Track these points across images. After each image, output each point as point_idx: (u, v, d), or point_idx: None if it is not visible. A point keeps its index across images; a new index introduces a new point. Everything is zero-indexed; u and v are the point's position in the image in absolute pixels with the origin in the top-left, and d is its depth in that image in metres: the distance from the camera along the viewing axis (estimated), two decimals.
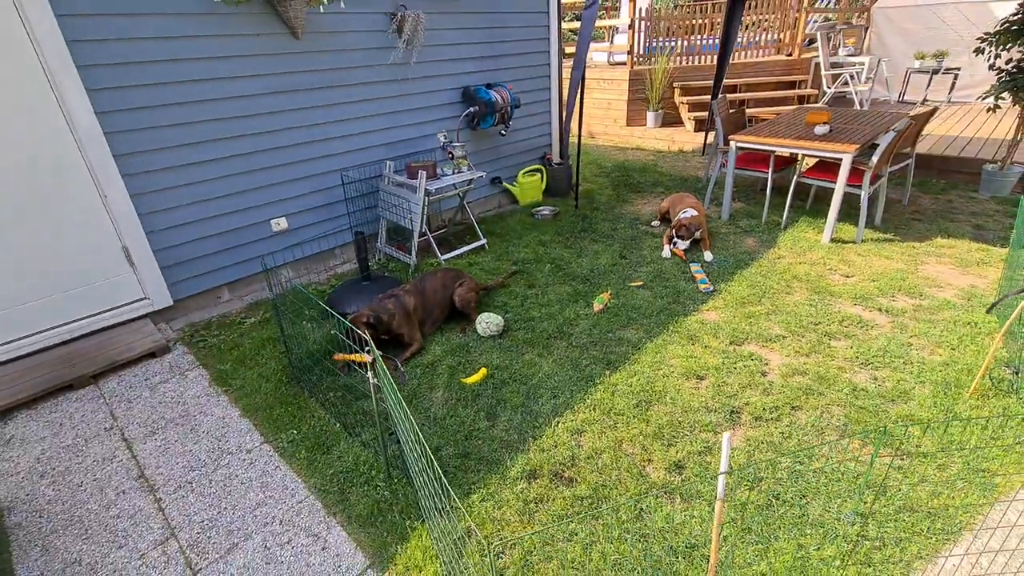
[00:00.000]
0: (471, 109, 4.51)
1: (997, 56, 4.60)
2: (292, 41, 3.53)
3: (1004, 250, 3.93)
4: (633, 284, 3.76)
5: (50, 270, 2.99)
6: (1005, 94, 4.58)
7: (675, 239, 4.14)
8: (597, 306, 3.45)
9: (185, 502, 2.15)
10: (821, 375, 2.69)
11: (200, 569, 1.87)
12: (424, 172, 3.81)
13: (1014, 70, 4.49)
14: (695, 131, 7.74)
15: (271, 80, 3.49)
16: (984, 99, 4.82)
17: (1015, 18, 4.44)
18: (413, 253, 4.03)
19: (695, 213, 4.21)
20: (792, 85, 8.55)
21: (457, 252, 4.29)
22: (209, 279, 3.55)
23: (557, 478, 2.16)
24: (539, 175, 5.52)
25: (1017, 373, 2.42)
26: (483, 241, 4.43)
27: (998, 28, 4.55)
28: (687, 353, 2.94)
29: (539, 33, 5.22)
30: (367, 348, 1.88)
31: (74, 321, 3.14)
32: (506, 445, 2.35)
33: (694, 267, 3.91)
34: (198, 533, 2.01)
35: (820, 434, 2.31)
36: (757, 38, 8.71)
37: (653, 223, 4.86)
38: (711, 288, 3.63)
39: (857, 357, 2.82)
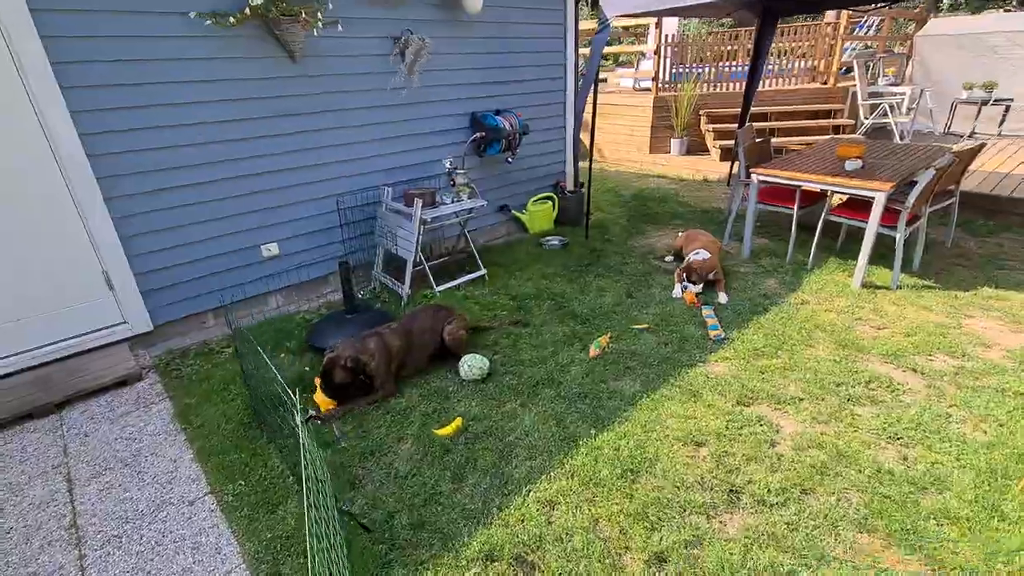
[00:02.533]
0: (477, 135, 4.36)
1: None
2: (288, 64, 3.45)
3: None
4: (637, 327, 3.46)
5: (26, 291, 2.91)
6: None
7: (686, 283, 3.82)
8: (594, 351, 3.17)
9: (109, 561, 1.96)
10: (841, 450, 2.33)
11: None
12: (420, 200, 3.65)
13: None
14: (720, 160, 7.42)
15: (265, 104, 3.41)
16: None
17: None
18: (407, 283, 3.85)
19: (707, 255, 3.89)
20: (827, 115, 8.14)
21: (454, 283, 4.09)
22: (192, 304, 3.44)
23: (518, 563, 1.88)
24: (550, 203, 5.30)
25: None
26: (482, 272, 4.22)
27: None
28: (687, 412, 2.62)
29: (554, 59, 5.06)
30: (301, 407, 1.67)
31: (50, 344, 3.05)
32: (468, 515, 2.08)
33: (706, 311, 3.59)
34: None
35: (834, 527, 1.96)
36: (790, 65, 8.36)
37: (667, 258, 4.56)
38: (723, 336, 3.30)
39: (885, 429, 2.46)
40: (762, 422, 2.54)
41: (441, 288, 3.98)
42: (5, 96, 2.65)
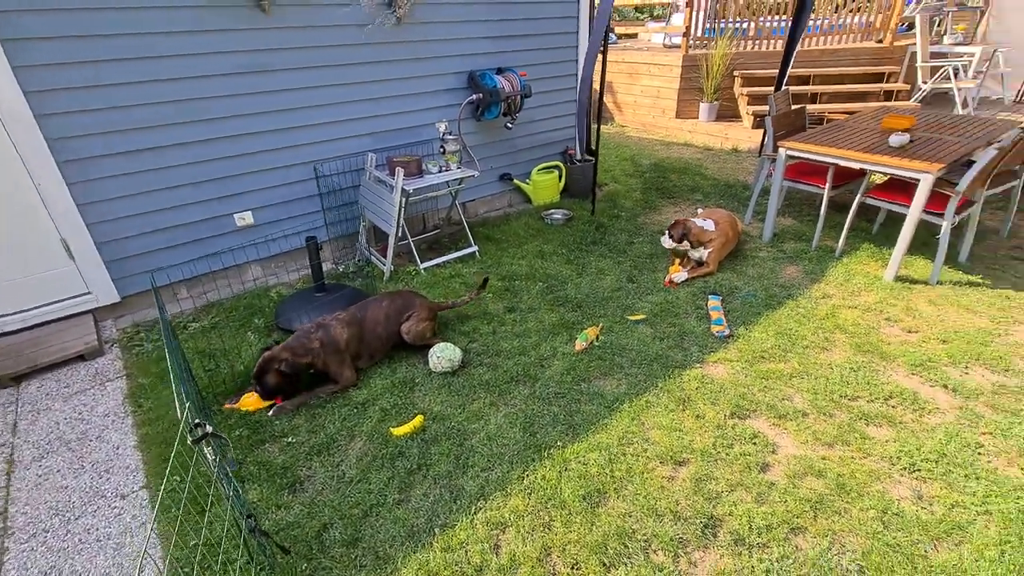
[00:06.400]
0: (473, 97, 3.97)
1: None
2: (260, 15, 3.12)
3: None
4: (633, 317, 3.15)
5: None
6: None
7: (669, 236, 3.59)
8: (580, 344, 2.88)
9: (30, 558, 1.86)
10: (843, 482, 2.02)
11: None
12: (403, 169, 3.35)
13: None
14: (753, 127, 6.78)
15: (231, 59, 3.12)
16: None
17: None
18: (389, 258, 3.60)
19: (712, 226, 3.55)
20: (880, 78, 7.31)
21: (440, 260, 3.82)
22: (162, 276, 3.28)
23: None
24: (557, 172, 4.91)
25: None
26: (473, 248, 3.93)
27: None
28: (672, 423, 2.34)
29: (565, 10, 4.55)
30: (202, 423, 1.46)
31: (15, 313, 2.95)
32: (409, 533, 1.89)
33: (712, 302, 3.24)
34: None
35: None
36: (843, 20, 7.47)
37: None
38: (727, 332, 2.96)
39: (900, 457, 2.12)
40: (756, 440, 2.23)
41: (426, 265, 3.73)
42: None
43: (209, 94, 3.10)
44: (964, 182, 3.12)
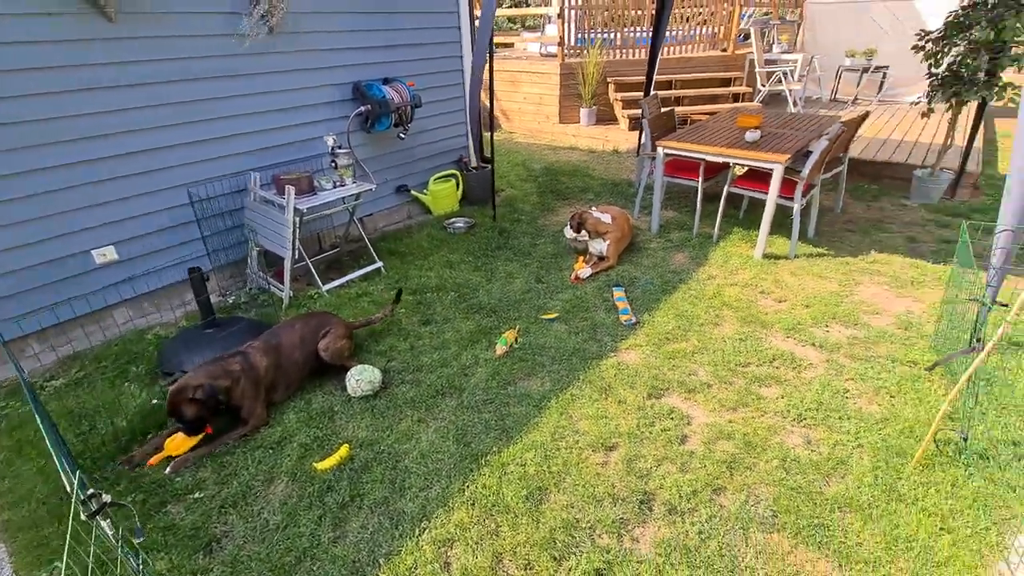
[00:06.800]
0: (361, 108, 3.85)
1: (942, 54, 4.33)
2: (105, 25, 2.76)
3: (937, 267, 3.68)
4: (547, 316, 3.25)
5: None
6: (937, 98, 4.37)
7: (571, 229, 3.88)
8: (500, 349, 2.92)
9: None
10: (749, 439, 2.26)
11: None
12: (293, 187, 3.15)
13: (947, 74, 4.27)
14: (629, 129, 7.35)
15: (73, 75, 2.72)
16: (917, 103, 4.61)
17: (960, 15, 4.18)
18: (287, 284, 3.36)
19: (609, 219, 3.85)
20: (728, 82, 8.29)
21: (344, 280, 3.64)
22: (6, 328, 2.75)
23: None
24: (454, 181, 4.92)
25: (966, 439, 2.07)
26: (378, 264, 3.80)
27: (947, 21, 4.28)
28: (598, 412, 2.45)
29: (446, 21, 4.59)
30: (97, 493, 1.25)
31: None
32: (352, 570, 1.77)
33: (617, 293, 3.45)
34: None
35: (745, 530, 1.87)
36: (693, 32, 8.38)
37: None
38: (633, 320, 3.17)
39: (789, 411, 2.42)
40: (673, 415, 2.42)
41: (329, 287, 3.53)
42: None
43: (43, 116, 2.67)
44: (807, 168, 3.65)
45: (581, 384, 2.65)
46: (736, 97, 8.03)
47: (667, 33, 7.51)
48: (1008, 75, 4.29)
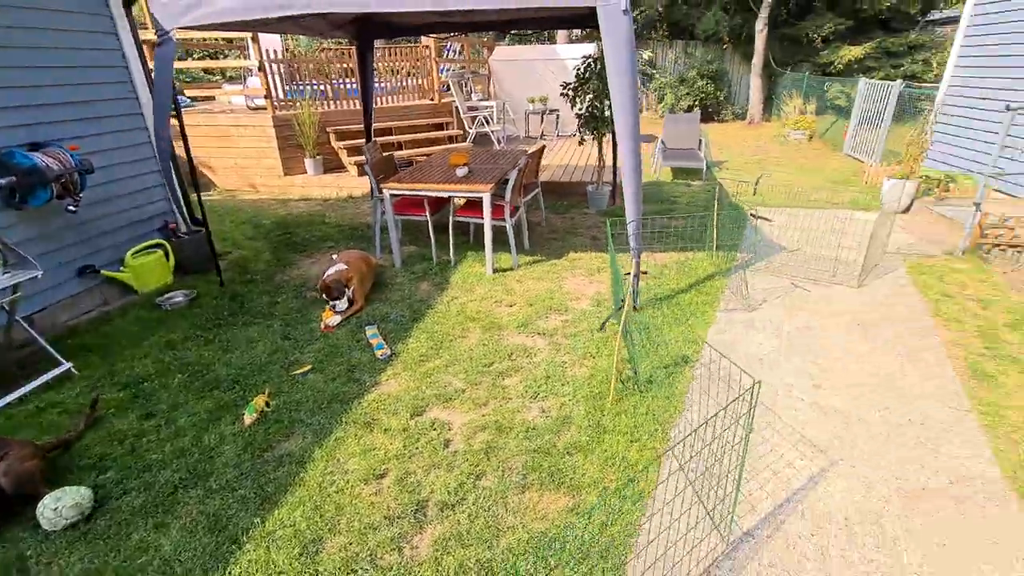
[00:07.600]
0: (2, 182, 3.09)
1: (580, 100, 5.72)
2: None
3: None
4: (299, 371, 3.13)
5: None
6: (585, 131, 5.76)
7: (334, 303, 3.72)
8: (249, 418, 2.69)
9: None
10: (500, 425, 2.61)
11: None
12: None
13: (586, 113, 5.67)
14: (359, 175, 7.56)
15: None
16: (574, 135, 5.98)
17: (581, 73, 5.62)
18: None
19: (341, 267, 3.86)
20: (440, 127, 9.28)
21: (16, 395, 2.84)
22: None
23: None
24: (161, 251, 4.30)
25: (636, 373, 2.80)
26: (67, 366, 3.07)
27: (575, 79, 5.68)
28: (364, 447, 2.49)
29: (114, 76, 4.04)
30: None
31: None
32: None
33: (369, 331, 3.53)
34: None
35: (503, 499, 2.16)
36: (401, 83, 9.15)
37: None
38: (388, 353, 3.30)
39: (527, 391, 2.88)
40: (435, 426, 2.62)
41: None
42: None
43: None
44: (507, 194, 4.39)
45: (345, 426, 2.64)
46: (451, 139, 9.04)
47: (377, 84, 8.07)
48: None
